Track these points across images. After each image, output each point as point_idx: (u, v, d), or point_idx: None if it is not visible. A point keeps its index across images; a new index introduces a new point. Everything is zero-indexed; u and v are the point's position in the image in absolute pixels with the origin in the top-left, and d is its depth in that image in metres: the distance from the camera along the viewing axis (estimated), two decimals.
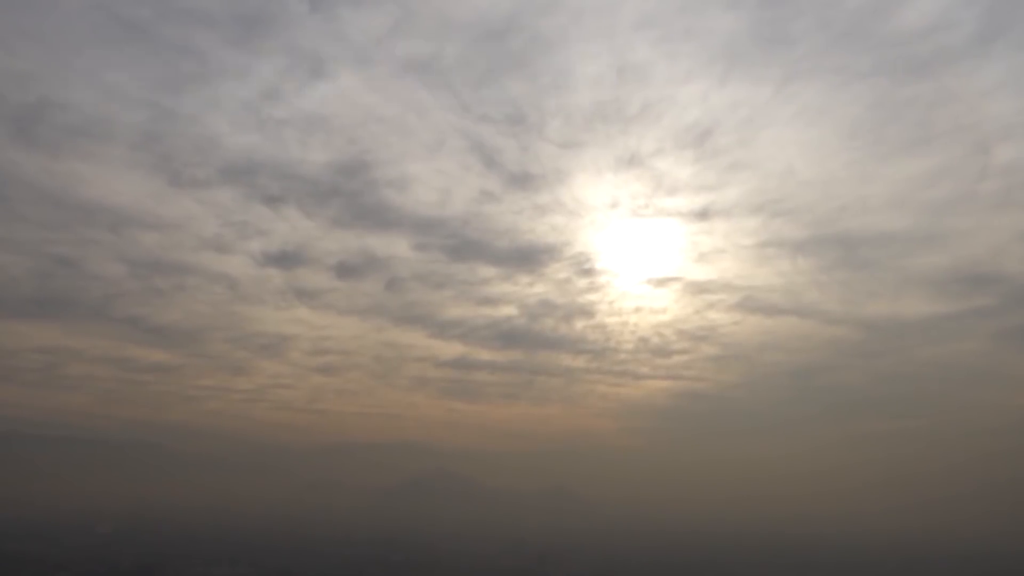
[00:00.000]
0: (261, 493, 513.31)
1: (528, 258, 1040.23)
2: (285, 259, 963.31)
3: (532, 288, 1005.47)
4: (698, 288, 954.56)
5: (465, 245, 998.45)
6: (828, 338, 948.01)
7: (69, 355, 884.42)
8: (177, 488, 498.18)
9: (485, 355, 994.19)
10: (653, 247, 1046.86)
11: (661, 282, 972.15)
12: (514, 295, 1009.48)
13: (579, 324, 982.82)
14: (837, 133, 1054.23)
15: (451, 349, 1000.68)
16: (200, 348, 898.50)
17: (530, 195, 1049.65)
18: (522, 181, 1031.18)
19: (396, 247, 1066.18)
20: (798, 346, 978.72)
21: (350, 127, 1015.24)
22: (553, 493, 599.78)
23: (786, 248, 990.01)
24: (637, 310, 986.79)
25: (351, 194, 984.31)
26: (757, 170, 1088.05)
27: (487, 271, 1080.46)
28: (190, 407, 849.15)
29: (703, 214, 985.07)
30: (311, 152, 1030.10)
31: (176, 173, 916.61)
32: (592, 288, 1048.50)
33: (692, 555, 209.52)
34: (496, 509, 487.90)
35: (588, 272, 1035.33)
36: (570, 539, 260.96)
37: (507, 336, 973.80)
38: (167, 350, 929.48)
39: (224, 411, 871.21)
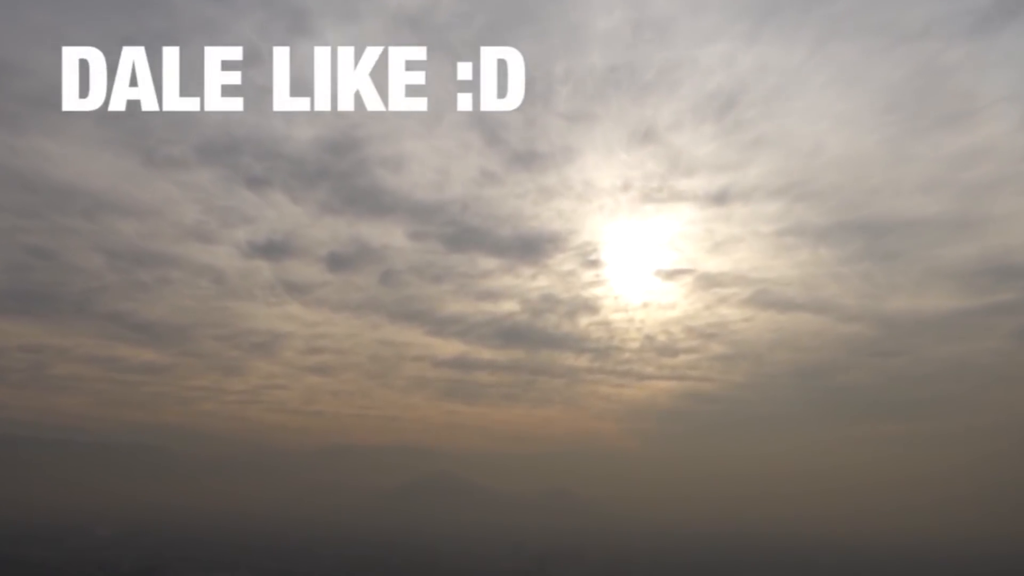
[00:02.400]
0: (260, 496, 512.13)
1: (531, 248, 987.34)
2: (273, 250, 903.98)
3: (535, 281, 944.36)
4: (710, 281, 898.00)
5: (464, 233, 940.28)
6: (842, 336, 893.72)
7: (55, 354, 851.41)
8: (175, 491, 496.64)
9: (485, 354, 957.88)
10: (665, 235, 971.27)
11: (671, 275, 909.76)
12: (516, 289, 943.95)
13: (583, 321, 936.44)
14: (874, 104, 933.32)
15: (450, 348, 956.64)
16: (190, 347, 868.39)
17: (535, 176, 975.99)
18: (527, 160, 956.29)
19: (391, 236, 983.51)
20: (810, 344, 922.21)
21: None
22: (554, 496, 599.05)
23: (807, 236, 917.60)
24: (644, 305, 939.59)
25: (341, 175, 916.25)
26: (782, 147, 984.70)
27: (488, 263, 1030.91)
28: (184, 409, 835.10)
29: (720, 198, 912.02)
30: (296, 126, 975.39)
31: (150, 151, 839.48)
32: (598, 281, 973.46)
33: (695, 559, 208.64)
34: (496, 512, 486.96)
35: (594, 263, 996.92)
36: (571, 542, 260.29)
37: (508, 334, 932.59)
38: (156, 349, 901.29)
39: (219, 413, 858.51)
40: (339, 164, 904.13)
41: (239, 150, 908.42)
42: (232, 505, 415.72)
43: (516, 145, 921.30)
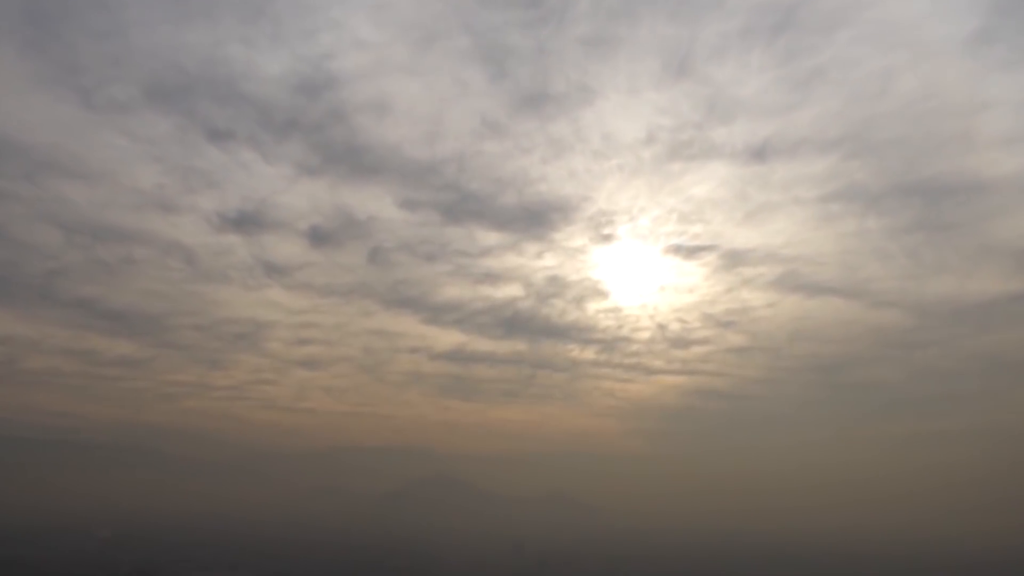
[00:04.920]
0: (256, 499, 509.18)
1: (538, 219, 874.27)
2: (245, 221, 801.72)
3: (540, 260, 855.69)
4: (735, 259, 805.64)
5: (462, 201, 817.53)
6: (872, 324, 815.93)
7: (25, 346, 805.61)
8: (171, 494, 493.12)
9: (484, 345, 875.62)
10: (690, 202, 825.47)
11: (692, 252, 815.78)
12: (519, 270, 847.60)
13: (591, 307, 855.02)
14: (963, 28, 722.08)
15: (447, 338, 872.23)
16: (167, 337, 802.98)
17: (545, 124, 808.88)
18: (536, 103, 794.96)
19: (378, 204, 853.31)
20: (835, 335, 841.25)
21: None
22: (553, 499, 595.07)
23: (856, 203, 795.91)
24: (661, 289, 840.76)
25: (315, 126, 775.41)
26: (842, 84, 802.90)
27: (488, 238, 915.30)
28: (168, 406, 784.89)
29: (760, 153, 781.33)
30: (258, 55, 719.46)
31: (88, 92, 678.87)
32: (610, 260, 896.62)
33: (698, 566, 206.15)
34: (495, 514, 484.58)
35: (607, 238, 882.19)
36: (570, 545, 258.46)
37: (509, 322, 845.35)
38: (131, 340, 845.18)
39: (205, 410, 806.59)
40: (313, 110, 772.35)
41: (194, 90, 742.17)
42: (228, 508, 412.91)
43: (524, 81, 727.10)
